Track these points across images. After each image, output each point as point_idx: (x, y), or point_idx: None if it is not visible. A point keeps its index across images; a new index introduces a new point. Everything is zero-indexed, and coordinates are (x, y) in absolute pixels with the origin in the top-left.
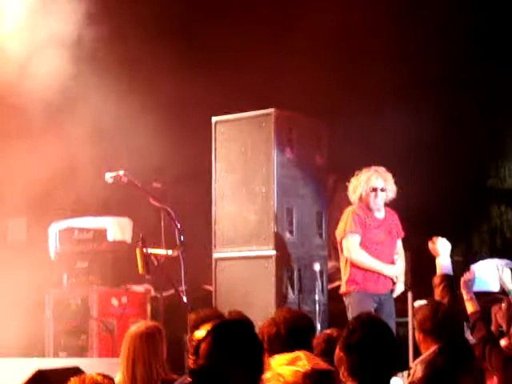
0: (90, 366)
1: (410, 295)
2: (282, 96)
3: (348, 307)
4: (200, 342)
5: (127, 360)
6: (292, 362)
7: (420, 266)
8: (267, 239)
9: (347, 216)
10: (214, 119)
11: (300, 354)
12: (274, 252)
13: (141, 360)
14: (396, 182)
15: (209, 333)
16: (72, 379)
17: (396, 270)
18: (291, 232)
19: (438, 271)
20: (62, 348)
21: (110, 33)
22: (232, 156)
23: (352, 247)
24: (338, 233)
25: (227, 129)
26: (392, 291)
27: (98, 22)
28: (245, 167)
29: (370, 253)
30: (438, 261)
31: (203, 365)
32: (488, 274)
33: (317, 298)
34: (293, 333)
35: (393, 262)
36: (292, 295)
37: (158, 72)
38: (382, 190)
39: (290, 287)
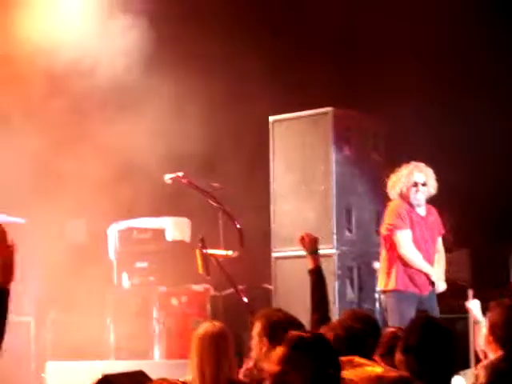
0: (153, 368)
1: (470, 293)
2: (339, 94)
3: (386, 306)
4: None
5: (196, 362)
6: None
7: (479, 263)
8: (326, 238)
9: (391, 211)
10: (271, 118)
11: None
12: (333, 250)
13: (210, 361)
14: (454, 180)
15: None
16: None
17: (440, 274)
18: (350, 230)
19: None
20: (123, 348)
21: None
22: (290, 155)
23: (406, 243)
24: (384, 229)
25: (284, 128)
26: (432, 291)
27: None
28: (303, 166)
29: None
30: None
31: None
32: None
33: (376, 296)
34: (352, 337)
35: (433, 261)
36: (351, 294)
37: (214, 69)
38: (424, 184)
39: (349, 285)
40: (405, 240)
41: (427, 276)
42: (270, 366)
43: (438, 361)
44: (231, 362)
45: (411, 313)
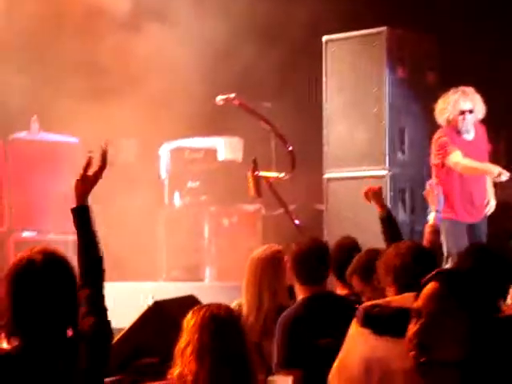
0: (205, 291)
1: None
2: (393, 13)
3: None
4: None
5: (253, 285)
6: None
7: None
8: (379, 159)
9: (436, 142)
10: (324, 38)
11: None
12: (385, 172)
13: (266, 284)
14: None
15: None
16: (190, 315)
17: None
18: (403, 151)
19: None
20: (175, 267)
21: None
22: (343, 76)
23: (459, 159)
24: (433, 158)
25: (338, 48)
26: (484, 217)
27: None
28: (356, 87)
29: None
30: None
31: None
32: None
33: (429, 218)
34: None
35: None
36: (404, 215)
37: None
38: (471, 111)
39: (401, 207)
40: (456, 158)
41: (482, 201)
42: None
43: (490, 288)
44: (285, 286)
45: (465, 239)
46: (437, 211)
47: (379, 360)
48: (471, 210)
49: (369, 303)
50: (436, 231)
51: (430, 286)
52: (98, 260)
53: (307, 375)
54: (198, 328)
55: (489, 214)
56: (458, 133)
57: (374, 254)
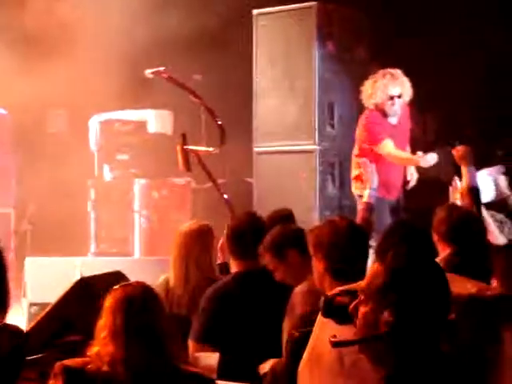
0: (134, 265)
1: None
2: None
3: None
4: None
5: (180, 258)
6: None
7: None
8: (308, 133)
9: (364, 129)
10: (255, 11)
11: None
12: (314, 146)
13: (192, 258)
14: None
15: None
16: (108, 296)
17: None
18: (332, 126)
19: (464, 182)
20: (103, 240)
21: None
22: (273, 50)
23: (390, 150)
24: (358, 140)
25: (268, 22)
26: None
27: None
28: (286, 61)
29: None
30: (463, 171)
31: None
32: (481, 184)
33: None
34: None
35: None
36: (333, 189)
37: None
38: (399, 96)
39: (331, 181)
40: (389, 148)
41: (400, 179)
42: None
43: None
44: (212, 260)
45: (387, 216)
46: (371, 189)
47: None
48: (390, 188)
49: (332, 292)
50: (370, 209)
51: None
52: None
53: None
54: (112, 310)
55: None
56: (385, 116)
57: (288, 230)
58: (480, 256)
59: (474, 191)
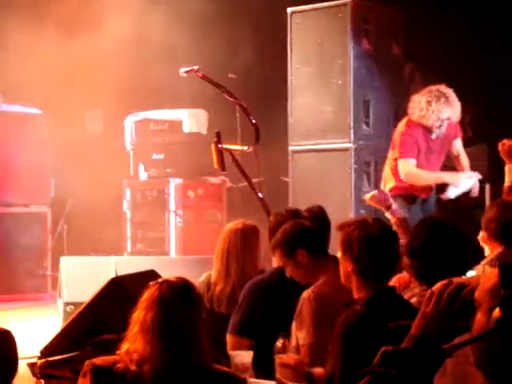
0: (170, 264)
1: (487, 187)
2: None
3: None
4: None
5: (221, 254)
6: None
7: (497, 158)
8: (343, 132)
9: (401, 135)
10: (289, 10)
11: None
12: (350, 145)
13: (233, 257)
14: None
15: None
16: (150, 286)
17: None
18: (367, 124)
19: (507, 179)
20: (139, 239)
21: None
22: (307, 48)
23: (412, 170)
24: (397, 151)
25: (303, 20)
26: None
27: None
28: (321, 59)
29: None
30: (506, 168)
31: None
32: None
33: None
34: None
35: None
36: (368, 188)
37: None
38: (449, 118)
39: (366, 180)
40: (406, 168)
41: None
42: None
43: (445, 263)
44: (255, 258)
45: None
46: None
47: None
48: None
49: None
50: (403, 223)
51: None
52: None
53: (255, 345)
54: (145, 306)
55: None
56: (428, 132)
57: (300, 227)
58: None
59: None
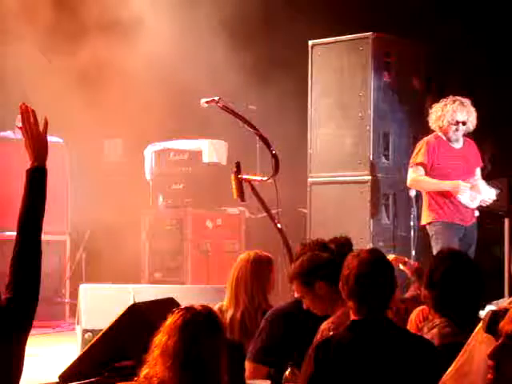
0: (187, 294)
1: (506, 222)
2: (379, 18)
3: (432, 237)
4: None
5: (232, 283)
6: None
7: None
8: (363, 164)
9: (420, 145)
10: (310, 42)
11: None
12: (369, 177)
13: (242, 285)
14: (494, 108)
15: None
16: (175, 312)
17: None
18: (387, 157)
19: None
20: (157, 269)
21: None
22: (328, 80)
23: (418, 177)
24: (411, 160)
25: (324, 52)
26: (475, 222)
27: None
28: (341, 91)
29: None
30: None
31: None
32: None
33: (412, 223)
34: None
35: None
36: (387, 221)
37: None
38: (464, 123)
39: (384, 212)
40: (413, 175)
41: (466, 207)
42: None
43: (464, 293)
44: (265, 288)
45: (456, 242)
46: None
47: None
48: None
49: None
50: (417, 272)
51: None
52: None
53: (273, 374)
54: (167, 331)
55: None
56: (448, 140)
57: (319, 259)
58: None
59: None
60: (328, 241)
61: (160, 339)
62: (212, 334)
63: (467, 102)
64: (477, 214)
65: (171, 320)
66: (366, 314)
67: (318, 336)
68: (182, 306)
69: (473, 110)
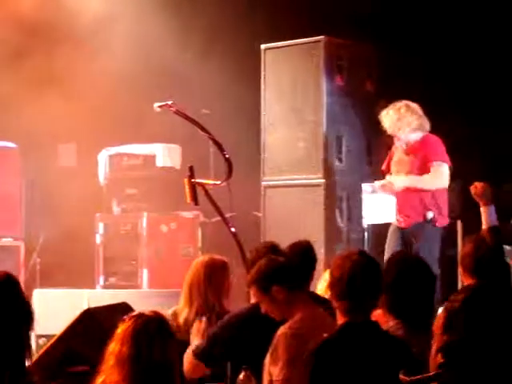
0: (142, 298)
1: (459, 225)
2: (331, 22)
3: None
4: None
5: (186, 286)
6: None
7: (470, 195)
8: (316, 167)
9: (438, 143)
10: (262, 46)
11: None
12: (323, 180)
13: (196, 287)
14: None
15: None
16: (125, 320)
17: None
18: (340, 160)
19: (484, 221)
20: (112, 273)
21: None
22: (281, 84)
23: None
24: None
25: (276, 56)
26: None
27: None
28: (294, 95)
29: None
30: (482, 210)
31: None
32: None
33: (365, 226)
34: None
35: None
36: (340, 223)
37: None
38: (414, 130)
39: (338, 215)
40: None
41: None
42: None
43: (416, 298)
44: (221, 295)
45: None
46: None
47: None
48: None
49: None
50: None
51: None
52: None
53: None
54: (120, 338)
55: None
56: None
57: (275, 263)
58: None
59: (494, 230)
60: (289, 245)
61: (113, 347)
62: (164, 339)
63: (415, 106)
64: (430, 215)
65: (123, 328)
66: (358, 314)
67: (275, 341)
68: (133, 313)
69: (391, 113)
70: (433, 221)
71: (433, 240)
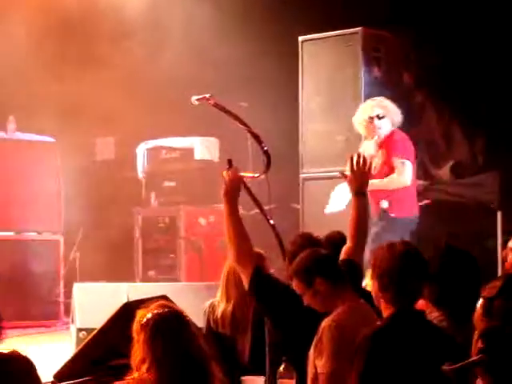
0: (181, 291)
1: (499, 215)
2: (369, 14)
3: None
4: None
5: (223, 280)
6: None
7: (509, 185)
8: None
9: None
10: (300, 38)
11: None
12: None
13: (233, 280)
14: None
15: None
16: (138, 327)
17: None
18: None
19: None
20: (150, 267)
21: None
22: (319, 75)
23: None
24: None
25: (314, 48)
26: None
27: None
28: (332, 87)
29: None
30: None
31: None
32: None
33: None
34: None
35: None
36: None
37: None
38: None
39: None
40: None
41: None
42: None
43: (461, 289)
44: None
45: None
46: None
47: None
48: None
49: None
50: None
51: None
52: None
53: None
54: (148, 342)
55: None
56: None
57: (318, 255)
58: None
59: None
60: (323, 236)
61: (144, 352)
62: (185, 329)
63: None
64: (385, 205)
65: (145, 332)
66: (404, 304)
67: (319, 333)
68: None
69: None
70: (387, 210)
71: (390, 230)
